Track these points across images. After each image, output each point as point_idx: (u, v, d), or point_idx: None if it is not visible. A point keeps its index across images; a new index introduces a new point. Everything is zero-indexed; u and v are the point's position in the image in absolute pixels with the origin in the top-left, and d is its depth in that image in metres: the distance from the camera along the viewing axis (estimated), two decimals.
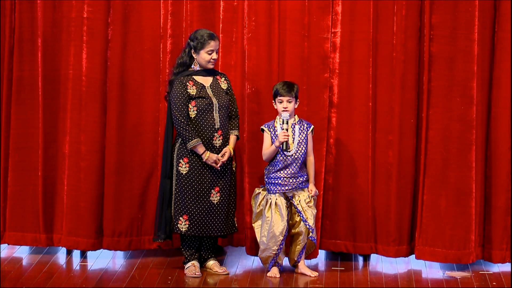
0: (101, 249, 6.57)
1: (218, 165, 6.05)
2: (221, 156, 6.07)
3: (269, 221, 6.09)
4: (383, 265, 6.48)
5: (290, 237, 6.22)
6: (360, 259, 6.59)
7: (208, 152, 6.02)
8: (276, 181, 6.09)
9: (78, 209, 6.46)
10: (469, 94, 6.21)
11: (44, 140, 6.47)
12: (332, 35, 6.35)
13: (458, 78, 6.22)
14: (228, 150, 6.10)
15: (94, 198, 6.46)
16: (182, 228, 6.08)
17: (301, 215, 6.09)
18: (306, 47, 6.34)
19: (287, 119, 6.05)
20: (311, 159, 6.17)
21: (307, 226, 6.07)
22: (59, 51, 6.45)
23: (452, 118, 6.25)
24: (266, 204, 6.13)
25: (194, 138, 5.99)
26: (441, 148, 6.27)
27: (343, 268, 6.38)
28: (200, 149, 6.01)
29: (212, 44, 6.04)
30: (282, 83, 6.11)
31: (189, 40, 6.09)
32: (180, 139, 6.07)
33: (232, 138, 6.17)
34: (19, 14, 6.41)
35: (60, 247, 6.64)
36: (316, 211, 6.15)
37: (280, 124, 6.08)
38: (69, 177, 6.47)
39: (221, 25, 6.41)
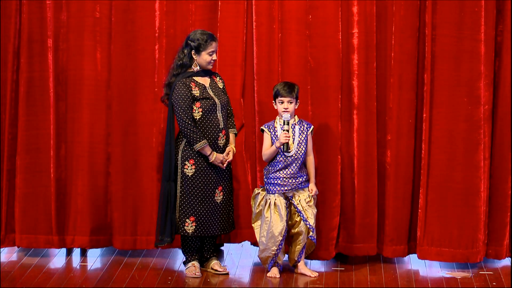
0: (100, 248, 6.63)
1: (224, 165, 6.06)
2: (226, 155, 6.08)
3: (268, 222, 6.09)
4: (383, 265, 6.48)
5: (290, 237, 6.23)
6: (360, 259, 6.58)
7: (215, 152, 6.04)
8: (276, 181, 6.09)
9: (97, 208, 6.52)
10: (476, 94, 6.22)
11: (56, 141, 6.46)
12: (340, 35, 6.35)
13: (465, 78, 6.23)
14: (232, 149, 6.12)
15: (94, 198, 6.50)
16: (189, 230, 6.08)
17: (301, 214, 6.09)
18: (310, 47, 6.33)
19: (288, 120, 6.06)
20: (311, 159, 6.17)
21: (308, 225, 6.07)
22: (69, 52, 6.45)
23: (459, 118, 6.25)
24: (265, 205, 6.13)
25: (202, 140, 5.99)
26: (447, 148, 6.27)
27: (343, 268, 6.38)
28: (208, 150, 6.02)
29: (214, 45, 6.05)
30: (282, 83, 6.11)
31: (189, 41, 6.06)
32: (184, 141, 6.07)
33: (232, 137, 6.18)
34: (28, 14, 6.40)
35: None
36: (316, 210, 6.15)
37: (281, 125, 6.08)
38: (84, 177, 6.49)
39: (219, 25, 6.41)
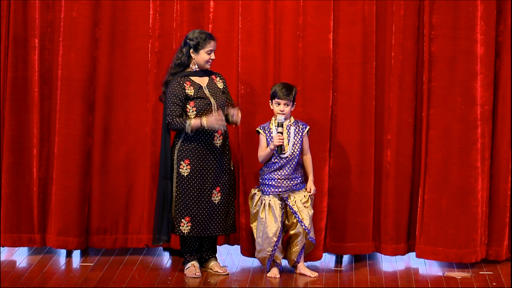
0: (87, 247, 6.60)
1: (235, 120, 5.99)
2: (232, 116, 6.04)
3: (263, 222, 6.09)
4: (383, 264, 6.48)
5: (288, 238, 6.22)
6: (360, 258, 6.58)
7: (204, 117, 5.97)
8: (270, 183, 6.09)
9: (66, 208, 6.48)
10: (470, 94, 6.23)
11: (40, 139, 6.47)
12: (332, 35, 6.35)
13: (460, 78, 6.24)
14: (236, 111, 6.05)
15: (81, 197, 6.48)
16: (184, 230, 6.07)
17: (296, 216, 6.08)
18: (303, 48, 6.33)
19: (282, 122, 6.05)
20: (308, 158, 6.16)
21: (303, 227, 6.06)
22: (52, 51, 6.45)
23: (453, 118, 6.27)
24: (261, 205, 6.14)
25: (187, 121, 5.94)
26: (442, 148, 6.29)
27: (343, 268, 6.38)
28: (197, 122, 5.94)
29: (212, 44, 6.05)
30: (281, 85, 6.09)
31: (188, 40, 6.06)
32: (180, 140, 6.06)
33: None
34: (14, 14, 6.41)
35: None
36: (312, 211, 6.14)
37: (276, 127, 6.08)
38: (58, 177, 6.47)
39: (210, 26, 6.39)
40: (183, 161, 6.05)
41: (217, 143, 6.08)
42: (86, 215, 6.54)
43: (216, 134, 6.05)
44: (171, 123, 5.99)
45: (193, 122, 5.95)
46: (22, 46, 6.44)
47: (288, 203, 6.11)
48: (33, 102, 6.46)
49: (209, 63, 6.09)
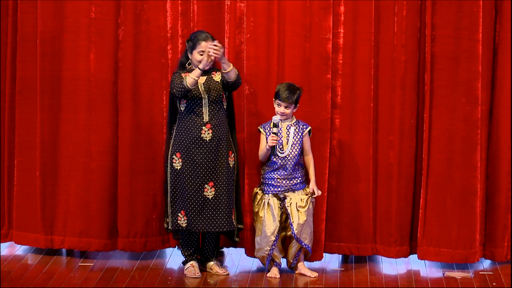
0: (115, 250, 6.56)
1: (214, 50, 5.89)
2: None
3: (262, 221, 6.10)
4: (383, 265, 6.48)
5: (287, 238, 6.22)
6: (360, 259, 6.58)
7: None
8: (270, 182, 6.10)
9: (88, 210, 6.44)
10: (474, 94, 6.23)
11: (42, 140, 6.45)
12: (334, 36, 6.35)
13: (463, 79, 6.23)
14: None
15: (105, 199, 6.44)
16: (182, 224, 6.08)
17: (289, 217, 6.08)
18: (307, 48, 6.32)
19: (277, 122, 6.04)
20: (309, 158, 6.17)
21: (291, 230, 6.05)
22: (61, 52, 6.43)
23: (457, 118, 6.26)
24: (261, 204, 6.14)
25: (184, 77, 5.96)
26: (445, 148, 6.28)
27: (343, 269, 6.38)
28: (195, 72, 5.94)
29: (203, 45, 6.01)
30: (285, 86, 6.07)
31: (186, 41, 6.11)
32: (173, 134, 6.09)
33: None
34: (21, 14, 6.41)
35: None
36: (306, 218, 6.08)
37: (271, 127, 6.08)
38: (77, 178, 6.45)
39: (226, 27, 6.39)
40: (175, 154, 6.07)
41: (205, 137, 6.03)
42: (112, 217, 6.48)
43: (204, 127, 6.03)
44: (172, 89, 5.98)
45: (191, 74, 5.94)
46: (31, 46, 6.42)
47: (285, 203, 6.11)
48: (36, 102, 6.43)
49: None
